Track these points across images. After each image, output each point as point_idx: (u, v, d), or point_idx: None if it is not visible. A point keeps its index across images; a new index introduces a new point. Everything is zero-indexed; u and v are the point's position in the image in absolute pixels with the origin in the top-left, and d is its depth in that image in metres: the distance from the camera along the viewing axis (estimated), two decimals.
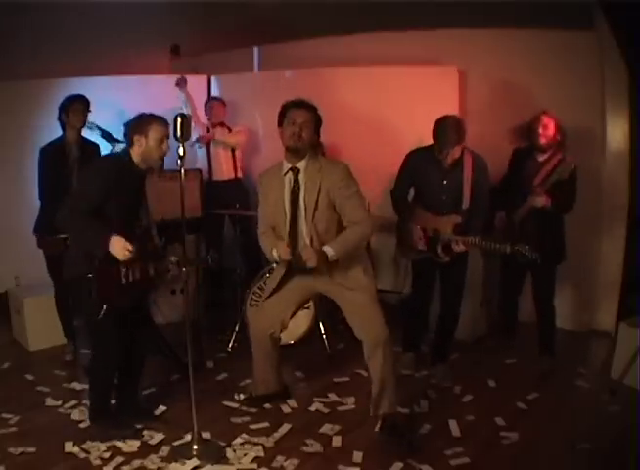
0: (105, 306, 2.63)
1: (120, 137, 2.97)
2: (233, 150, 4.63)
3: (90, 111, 3.60)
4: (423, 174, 3.27)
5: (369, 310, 2.78)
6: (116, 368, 2.84)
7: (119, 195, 2.65)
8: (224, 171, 4.61)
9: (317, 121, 2.75)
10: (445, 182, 3.22)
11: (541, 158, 3.39)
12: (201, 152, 4.66)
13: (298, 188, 2.75)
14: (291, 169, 2.77)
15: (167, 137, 2.68)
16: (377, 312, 2.79)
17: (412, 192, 3.46)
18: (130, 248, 2.57)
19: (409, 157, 3.35)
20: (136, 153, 2.69)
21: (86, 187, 2.64)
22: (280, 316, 2.95)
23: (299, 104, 2.73)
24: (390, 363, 2.78)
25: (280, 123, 2.75)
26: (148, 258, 2.77)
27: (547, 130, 3.33)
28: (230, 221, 4.45)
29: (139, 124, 2.68)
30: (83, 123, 3.60)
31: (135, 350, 2.90)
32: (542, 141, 3.34)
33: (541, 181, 3.32)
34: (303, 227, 2.77)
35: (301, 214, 2.76)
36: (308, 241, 2.77)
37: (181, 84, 4.61)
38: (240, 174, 4.70)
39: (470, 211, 3.22)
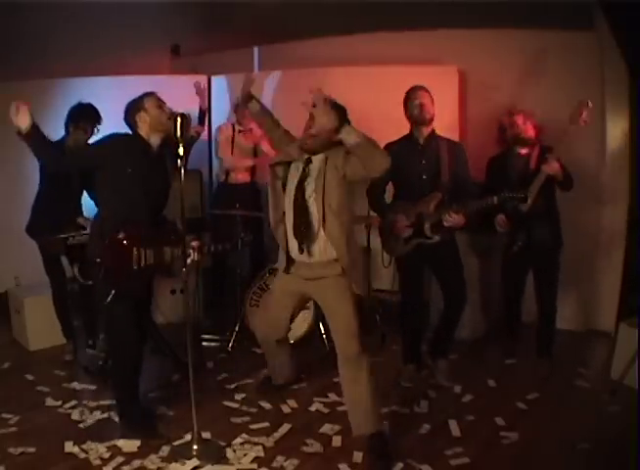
0: (113, 291, 2.64)
1: None
2: (255, 153, 4.55)
3: (97, 127, 3.60)
4: (401, 160, 3.23)
5: (343, 318, 2.71)
6: (135, 361, 2.82)
7: (129, 167, 2.68)
8: (238, 176, 4.51)
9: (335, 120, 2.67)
10: (424, 161, 3.25)
11: (523, 151, 3.43)
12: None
13: (307, 175, 2.72)
14: (307, 159, 2.74)
15: (163, 103, 2.79)
16: (350, 322, 2.70)
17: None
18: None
19: (387, 148, 3.29)
20: (144, 130, 2.74)
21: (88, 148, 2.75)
22: (282, 322, 3.00)
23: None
24: (364, 383, 2.66)
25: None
26: (165, 240, 2.77)
27: (524, 126, 3.41)
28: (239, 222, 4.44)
29: (133, 105, 2.78)
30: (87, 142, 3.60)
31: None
32: (522, 135, 3.40)
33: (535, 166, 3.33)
34: (314, 210, 2.69)
35: (311, 200, 2.69)
36: (317, 222, 2.69)
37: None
38: (256, 177, 4.60)
39: (453, 191, 3.23)
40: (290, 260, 2.82)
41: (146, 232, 2.72)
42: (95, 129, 3.57)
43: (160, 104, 2.78)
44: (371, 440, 2.66)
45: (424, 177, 3.25)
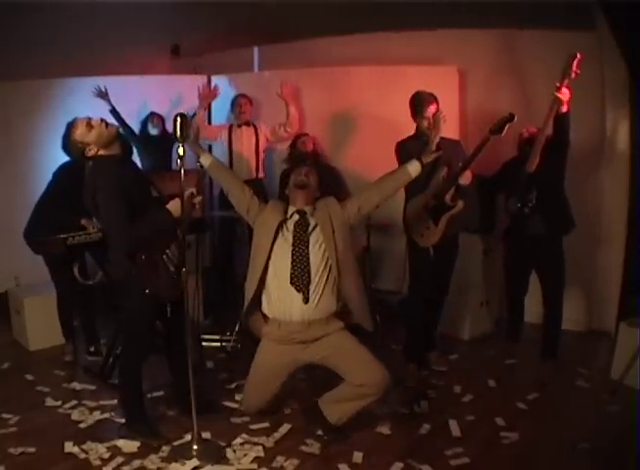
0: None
1: None
2: (257, 148, 4.51)
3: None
4: (415, 157, 3.28)
5: (364, 355, 2.74)
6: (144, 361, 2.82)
7: (135, 190, 2.63)
8: (244, 171, 4.45)
9: (319, 178, 2.92)
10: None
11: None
12: (222, 150, 4.54)
13: (307, 226, 2.79)
14: (297, 212, 2.83)
15: (89, 118, 2.65)
16: (372, 356, 2.75)
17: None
18: (194, 191, 2.68)
19: (403, 144, 3.40)
20: (103, 153, 2.64)
21: (111, 205, 2.55)
22: (278, 395, 2.92)
23: (300, 163, 3.11)
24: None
25: (285, 186, 2.96)
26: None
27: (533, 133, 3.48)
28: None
29: (71, 149, 2.66)
30: None
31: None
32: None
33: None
34: (317, 259, 2.74)
35: (313, 255, 2.74)
36: (320, 281, 2.73)
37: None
38: (262, 174, 4.55)
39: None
40: (281, 327, 2.77)
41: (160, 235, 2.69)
42: None
43: (86, 123, 2.62)
44: (335, 427, 2.78)
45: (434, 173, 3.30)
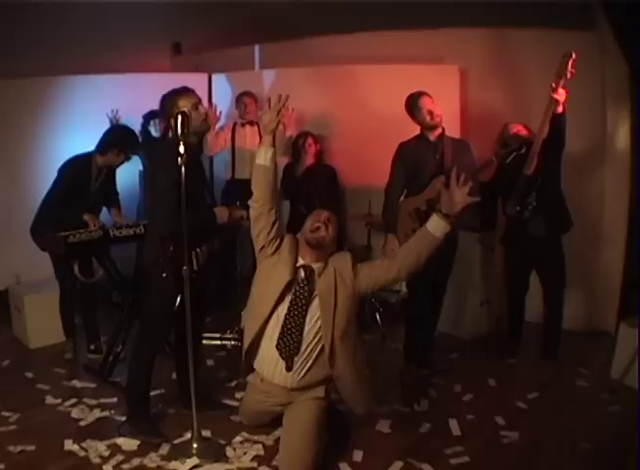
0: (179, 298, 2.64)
1: None
2: None
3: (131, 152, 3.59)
4: (417, 158, 3.33)
5: (302, 443, 2.44)
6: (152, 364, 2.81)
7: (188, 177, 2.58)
8: (246, 170, 4.40)
9: (339, 230, 2.60)
10: (437, 157, 3.30)
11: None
12: (225, 149, 4.52)
13: (310, 293, 2.49)
14: (303, 267, 2.52)
15: (200, 102, 2.69)
16: (311, 450, 2.43)
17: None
18: (244, 215, 2.79)
19: (403, 147, 3.41)
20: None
21: (167, 185, 2.54)
22: (264, 421, 2.82)
23: (324, 206, 2.68)
24: None
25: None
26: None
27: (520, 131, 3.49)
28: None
29: (169, 106, 2.67)
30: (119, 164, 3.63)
31: None
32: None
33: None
34: (306, 340, 2.50)
35: (308, 327, 2.49)
36: (311, 355, 2.52)
37: None
38: None
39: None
40: (264, 383, 2.65)
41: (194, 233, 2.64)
42: (129, 154, 3.57)
43: (196, 102, 2.66)
44: None
45: (439, 173, 3.29)
